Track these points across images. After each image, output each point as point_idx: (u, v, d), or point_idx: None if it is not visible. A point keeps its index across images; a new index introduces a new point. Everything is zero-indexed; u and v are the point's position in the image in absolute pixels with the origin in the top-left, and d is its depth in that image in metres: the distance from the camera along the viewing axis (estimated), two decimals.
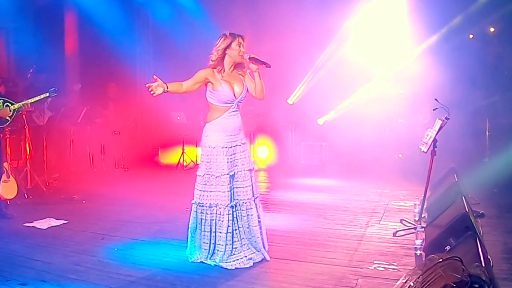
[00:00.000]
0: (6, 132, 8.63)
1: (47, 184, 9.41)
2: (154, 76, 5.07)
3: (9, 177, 7.75)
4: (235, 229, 5.40)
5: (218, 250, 5.32)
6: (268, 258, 5.46)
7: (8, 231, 6.67)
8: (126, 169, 12.13)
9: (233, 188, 5.39)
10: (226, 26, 11.33)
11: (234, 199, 5.38)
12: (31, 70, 10.09)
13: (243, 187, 5.43)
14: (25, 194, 8.57)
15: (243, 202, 5.43)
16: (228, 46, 5.29)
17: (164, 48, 13.72)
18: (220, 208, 5.28)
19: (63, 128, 11.14)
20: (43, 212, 7.59)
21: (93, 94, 12.20)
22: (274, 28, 11.76)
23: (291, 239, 6.35)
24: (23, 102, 7.85)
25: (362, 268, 5.25)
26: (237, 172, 5.42)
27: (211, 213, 5.31)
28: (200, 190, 5.35)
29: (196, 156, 12.53)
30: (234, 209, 5.37)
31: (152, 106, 13.94)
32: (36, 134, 9.73)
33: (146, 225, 7.01)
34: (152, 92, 5.03)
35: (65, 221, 7.12)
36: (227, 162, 5.31)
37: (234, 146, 5.40)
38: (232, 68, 5.40)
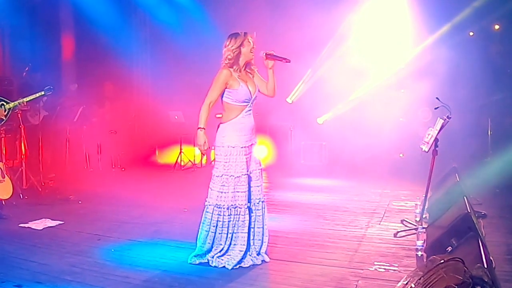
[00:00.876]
0: (1, 132, 8.64)
1: (43, 184, 9.39)
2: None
3: (4, 177, 7.74)
4: (251, 229, 5.42)
5: (232, 250, 5.32)
6: (267, 259, 5.46)
7: (3, 231, 6.64)
8: (123, 169, 12.13)
9: (250, 187, 5.40)
10: (223, 25, 11.38)
11: (251, 199, 5.40)
12: (26, 68, 10.09)
13: (256, 187, 5.46)
14: (21, 195, 8.54)
15: (258, 201, 5.45)
16: (241, 44, 5.31)
17: (162, 46, 13.70)
18: (240, 208, 5.28)
19: (59, 128, 11.11)
20: (38, 213, 7.57)
21: (89, 93, 12.18)
22: (272, 25, 11.74)
23: (290, 240, 6.35)
24: (18, 101, 7.83)
25: (362, 269, 5.25)
26: (252, 171, 5.44)
27: (229, 215, 5.28)
28: (218, 191, 5.30)
29: (194, 156, 12.54)
30: (250, 209, 5.40)
31: (149, 105, 13.93)
32: (31, 133, 9.70)
33: (143, 226, 7.00)
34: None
35: (61, 222, 7.10)
36: (246, 162, 5.33)
37: (250, 145, 5.42)
38: (244, 67, 5.42)
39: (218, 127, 5.42)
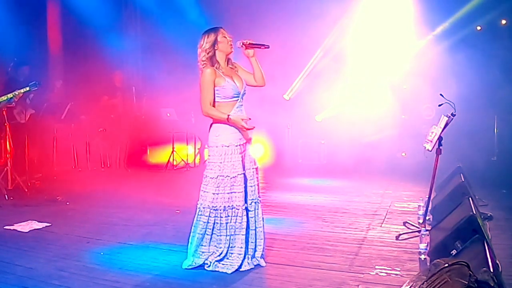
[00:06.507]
0: None
1: (29, 184, 9.38)
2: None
3: None
4: (251, 230, 5.41)
5: (231, 254, 5.31)
6: (263, 264, 5.46)
7: None
8: (109, 167, 12.11)
9: (246, 187, 5.39)
10: (217, 18, 11.33)
11: (247, 200, 5.38)
12: (11, 63, 10.06)
13: (251, 186, 5.45)
14: (6, 195, 8.53)
15: (251, 202, 5.43)
16: (215, 42, 5.30)
17: (153, 40, 13.67)
18: (237, 209, 5.26)
19: (46, 125, 11.05)
20: (24, 214, 7.55)
21: (77, 89, 12.14)
22: (269, 20, 11.73)
23: (287, 243, 6.35)
24: (14, 93, 7.85)
25: (363, 273, 5.24)
26: (246, 170, 5.43)
27: (226, 216, 5.26)
28: (213, 193, 5.26)
29: (187, 155, 12.53)
30: (248, 210, 5.39)
31: (141, 102, 13.89)
32: (17, 131, 9.65)
33: (133, 228, 6.99)
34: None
35: (48, 224, 7.08)
36: (241, 160, 5.33)
37: (244, 143, 5.42)
38: (226, 62, 5.41)
39: (211, 127, 5.41)
